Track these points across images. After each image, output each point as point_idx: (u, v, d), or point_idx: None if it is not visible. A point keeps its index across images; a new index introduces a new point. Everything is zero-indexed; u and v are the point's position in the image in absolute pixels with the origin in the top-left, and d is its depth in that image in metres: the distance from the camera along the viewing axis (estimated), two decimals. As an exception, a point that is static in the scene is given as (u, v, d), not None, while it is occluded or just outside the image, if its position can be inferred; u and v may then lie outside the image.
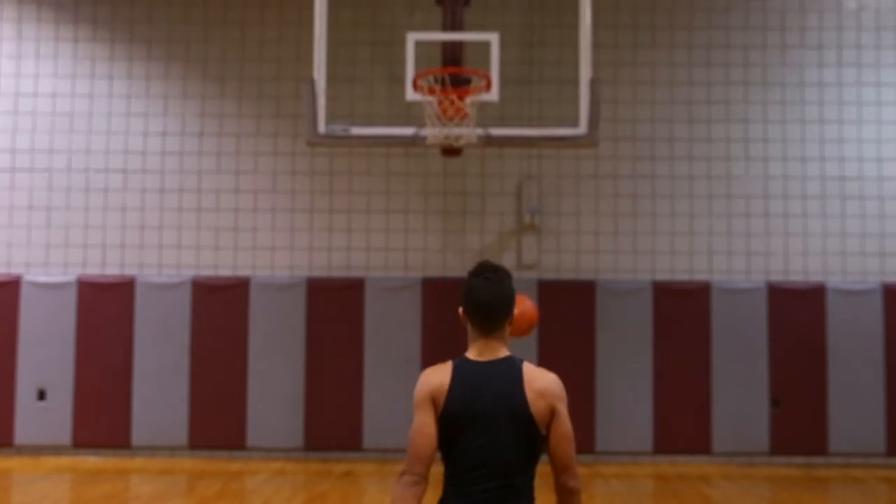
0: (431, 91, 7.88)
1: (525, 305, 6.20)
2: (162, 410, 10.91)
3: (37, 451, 10.92)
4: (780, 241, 11.29)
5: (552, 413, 3.05)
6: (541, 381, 3.07)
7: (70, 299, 11.06)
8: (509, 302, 3.16)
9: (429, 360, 10.87)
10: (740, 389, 10.93)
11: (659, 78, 11.48)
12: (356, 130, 8.43)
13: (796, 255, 11.26)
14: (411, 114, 8.75)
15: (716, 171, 11.39)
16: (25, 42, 11.49)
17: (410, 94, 8.02)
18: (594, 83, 8.08)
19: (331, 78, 8.28)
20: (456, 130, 7.96)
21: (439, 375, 3.12)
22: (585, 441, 10.53)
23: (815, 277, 11.22)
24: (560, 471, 3.08)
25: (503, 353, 3.13)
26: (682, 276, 11.25)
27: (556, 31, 11.25)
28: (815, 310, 11.04)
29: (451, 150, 8.95)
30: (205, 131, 11.46)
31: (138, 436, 10.93)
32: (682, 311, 11.04)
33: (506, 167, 11.38)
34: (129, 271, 11.26)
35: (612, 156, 11.38)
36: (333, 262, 11.31)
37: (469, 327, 3.19)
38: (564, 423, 3.06)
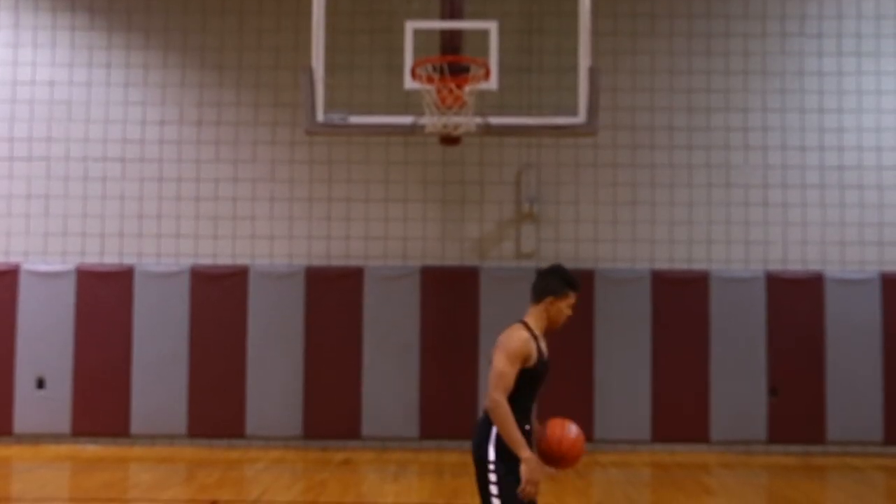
0: (430, 79, 7.85)
1: (556, 432, 4.66)
2: (161, 399, 10.92)
3: (36, 439, 10.94)
4: (779, 230, 11.29)
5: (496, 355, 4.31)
6: (500, 336, 4.35)
7: (69, 288, 11.07)
8: (536, 290, 4.47)
9: (428, 348, 10.91)
10: (738, 378, 10.95)
11: (658, 66, 11.46)
12: (355, 119, 8.39)
13: (795, 244, 11.26)
14: (410, 102, 8.71)
15: (715, 159, 11.38)
16: (23, 30, 11.46)
17: (409, 83, 7.98)
18: (593, 72, 8.05)
19: (329, 66, 8.24)
20: (454, 119, 7.93)
21: None
22: (583, 429, 10.50)
23: (813, 266, 11.22)
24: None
25: (523, 318, 4.46)
26: (680, 265, 11.25)
27: (555, 19, 11.21)
28: (813, 299, 11.05)
29: (449, 139, 8.93)
30: (203, 120, 11.44)
31: (137, 424, 10.94)
32: (680, 300, 11.05)
33: (504, 156, 11.37)
34: (128, 260, 11.26)
35: (610, 144, 11.36)
36: (332, 251, 11.31)
37: None
38: (495, 361, 4.25)
